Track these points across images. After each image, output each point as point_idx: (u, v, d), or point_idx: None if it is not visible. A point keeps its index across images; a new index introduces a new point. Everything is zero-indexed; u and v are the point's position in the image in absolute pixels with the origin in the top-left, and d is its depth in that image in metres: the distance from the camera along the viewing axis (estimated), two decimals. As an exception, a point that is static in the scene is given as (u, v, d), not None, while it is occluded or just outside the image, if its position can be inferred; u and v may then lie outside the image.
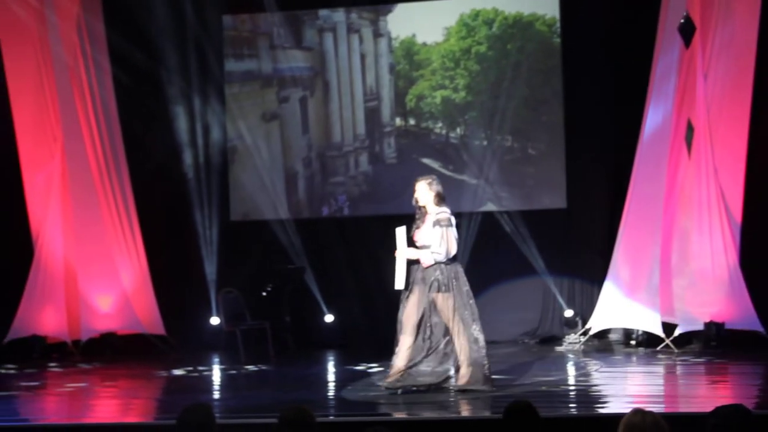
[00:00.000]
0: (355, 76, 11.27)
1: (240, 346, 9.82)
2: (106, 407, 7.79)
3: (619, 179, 10.24)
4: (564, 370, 8.87)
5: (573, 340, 10.27)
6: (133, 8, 10.93)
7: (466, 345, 7.02)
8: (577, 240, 10.71)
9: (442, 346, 7.05)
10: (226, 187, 11.41)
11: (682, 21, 9.40)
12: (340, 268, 11.12)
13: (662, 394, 7.73)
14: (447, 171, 11.01)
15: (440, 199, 7.17)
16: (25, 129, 10.70)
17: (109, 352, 10.56)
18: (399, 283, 7.13)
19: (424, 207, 7.20)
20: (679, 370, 8.56)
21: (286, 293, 10.23)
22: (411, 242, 7.23)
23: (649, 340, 9.64)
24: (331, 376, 9.11)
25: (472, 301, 7.13)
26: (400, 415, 6.57)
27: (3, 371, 9.47)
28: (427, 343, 7.04)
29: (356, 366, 9.09)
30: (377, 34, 11.25)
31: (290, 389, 8.01)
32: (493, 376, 7.27)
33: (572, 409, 6.77)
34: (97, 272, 10.64)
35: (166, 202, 11.34)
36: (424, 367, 7.06)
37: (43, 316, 10.44)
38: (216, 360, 10.20)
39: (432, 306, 7.04)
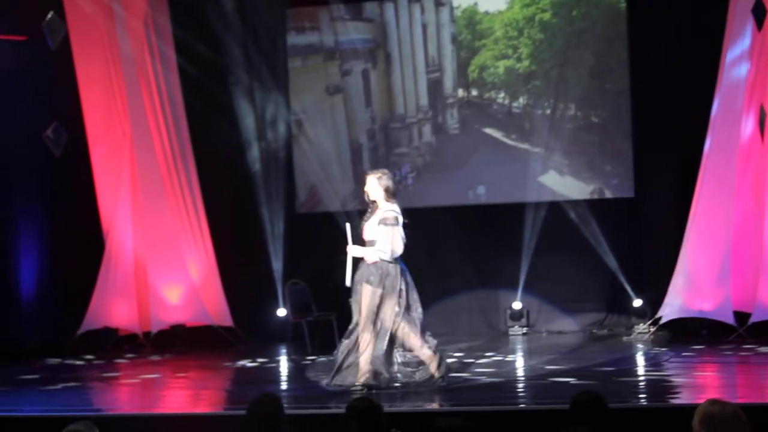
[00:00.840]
0: (416, 46, 11.22)
1: (306, 337, 9.88)
2: (176, 398, 7.90)
3: (689, 151, 10.01)
4: (633, 361, 8.75)
5: (642, 330, 10.12)
6: (197, 2, 11.06)
7: (372, 343, 6.93)
8: (645, 228, 10.54)
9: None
10: (292, 179, 11.48)
11: (755, 2, 9.18)
12: (405, 258, 11.11)
13: (736, 384, 7.58)
14: (509, 140, 10.96)
15: (390, 194, 7.09)
16: (95, 125, 10.88)
17: (179, 344, 10.71)
18: (346, 280, 7.12)
19: (374, 201, 7.14)
20: (752, 360, 8.37)
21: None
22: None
23: (721, 330, 9.45)
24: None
25: (402, 300, 7.00)
26: (468, 405, 6.54)
27: (77, 362, 9.66)
28: (381, 335, 6.96)
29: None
30: (438, 4, 11.17)
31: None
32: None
33: (642, 400, 6.67)
34: (166, 265, 10.79)
35: (233, 194, 11.43)
36: (396, 360, 7.05)
37: (115, 309, 10.63)
38: (283, 351, 10.27)
39: (378, 300, 6.97)
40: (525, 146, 10.95)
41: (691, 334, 9.85)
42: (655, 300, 10.19)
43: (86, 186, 10.80)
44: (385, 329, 6.97)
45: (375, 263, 7.00)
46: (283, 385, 8.20)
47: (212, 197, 11.23)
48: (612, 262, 10.47)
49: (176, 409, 7.25)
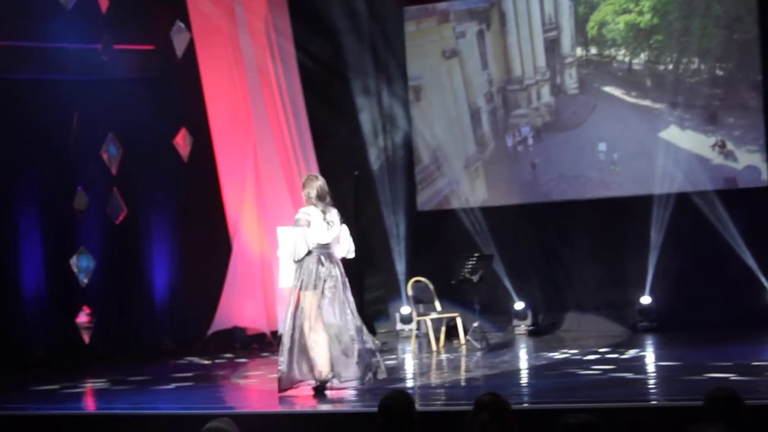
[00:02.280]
0: (532, 4, 10.99)
1: (431, 334, 9.88)
2: (305, 396, 8.01)
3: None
4: (771, 356, 8.43)
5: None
6: (317, 2, 11.19)
7: (326, 340, 7.15)
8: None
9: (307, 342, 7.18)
10: (412, 176, 11.50)
11: None
12: (529, 254, 11.01)
13: None
14: (629, 98, 10.67)
15: (311, 198, 7.34)
16: (220, 129, 11.13)
17: (306, 342, 10.85)
18: (281, 282, 7.21)
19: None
20: None
21: (476, 281, 10.20)
22: None
23: None
24: (523, 363, 9.02)
25: (341, 296, 7.24)
26: (597, 402, 6.42)
27: (208, 362, 9.91)
28: (296, 341, 7.18)
29: (550, 353, 8.99)
30: None
31: (483, 376, 7.98)
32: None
33: (782, 397, 6.40)
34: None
35: (354, 193, 11.54)
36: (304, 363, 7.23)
37: (243, 309, 10.86)
38: (408, 348, 10.29)
39: (300, 303, 7.16)
40: (646, 103, 10.63)
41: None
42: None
43: (213, 189, 11.07)
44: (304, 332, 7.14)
45: (298, 265, 7.20)
46: (409, 383, 8.21)
47: (333, 197, 11.33)
48: (747, 255, 10.08)
49: (305, 406, 7.35)
